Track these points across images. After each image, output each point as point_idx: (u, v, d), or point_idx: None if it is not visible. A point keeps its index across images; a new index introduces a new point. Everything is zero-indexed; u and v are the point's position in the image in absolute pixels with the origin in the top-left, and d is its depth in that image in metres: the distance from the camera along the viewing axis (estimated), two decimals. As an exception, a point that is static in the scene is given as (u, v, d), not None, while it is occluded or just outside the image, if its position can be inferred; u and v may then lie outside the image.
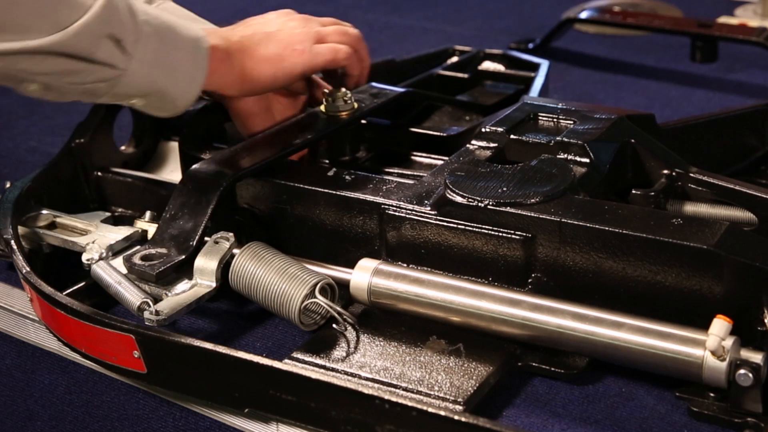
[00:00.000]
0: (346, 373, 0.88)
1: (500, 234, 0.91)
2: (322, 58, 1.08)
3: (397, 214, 0.96)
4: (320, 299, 0.92)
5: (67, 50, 0.85)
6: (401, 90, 1.24)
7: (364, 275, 0.94)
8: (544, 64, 1.41)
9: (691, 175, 1.02)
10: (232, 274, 0.94)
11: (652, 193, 0.99)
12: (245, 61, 1.03)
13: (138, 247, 0.99)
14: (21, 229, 1.04)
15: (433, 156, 1.18)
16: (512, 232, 0.91)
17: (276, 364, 0.82)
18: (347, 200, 0.98)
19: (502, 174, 0.97)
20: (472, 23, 2.06)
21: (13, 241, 1.00)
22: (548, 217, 0.90)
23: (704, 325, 0.81)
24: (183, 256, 0.95)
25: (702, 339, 0.81)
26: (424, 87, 1.35)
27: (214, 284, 0.94)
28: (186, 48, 0.96)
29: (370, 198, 0.97)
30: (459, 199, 0.94)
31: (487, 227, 0.92)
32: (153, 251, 0.96)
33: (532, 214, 0.90)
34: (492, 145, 1.05)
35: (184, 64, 0.96)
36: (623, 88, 1.66)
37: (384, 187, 0.99)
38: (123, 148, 1.24)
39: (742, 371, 0.79)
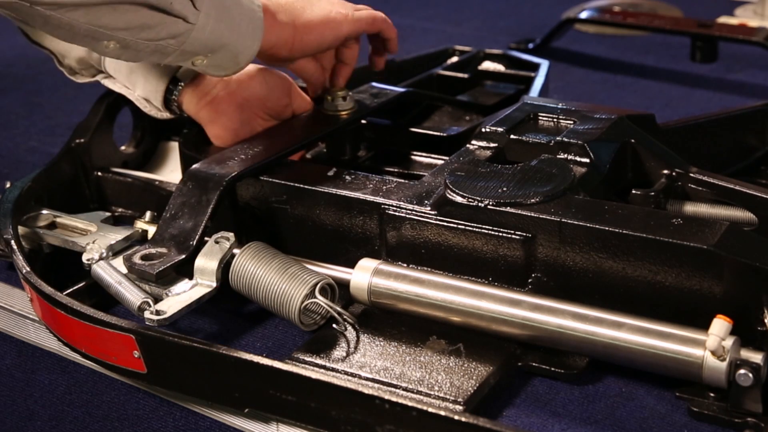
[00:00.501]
0: (346, 373, 0.88)
1: (500, 234, 0.91)
2: (364, 21, 1.13)
3: (397, 214, 0.96)
4: (320, 299, 0.92)
5: (148, 0, 0.89)
6: (401, 90, 1.24)
7: (364, 275, 0.94)
8: (544, 64, 1.41)
9: (691, 175, 1.02)
10: (233, 274, 0.94)
11: (652, 193, 0.99)
12: (294, 22, 1.07)
13: (138, 246, 0.99)
14: (21, 229, 1.04)
15: (433, 156, 1.18)
16: (512, 232, 0.91)
17: (276, 364, 0.82)
18: (347, 200, 0.98)
19: (502, 174, 0.97)
20: (472, 23, 2.06)
21: (13, 241, 1.00)
22: (548, 217, 0.90)
23: (704, 325, 0.81)
24: (183, 256, 0.95)
25: (702, 339, 0.81)
26: (424, 87, 1.35)
27: (214, 284, 0.94)
28: (243, 4, 0.99)
29: (370, 198, 0.97)
30: (459, 199, 0.94)
31: (487, 227, 0.92)
32: (153, 251, 0.96)
33: (532, 214, 0.90)
34: (492, 145, 1.05)
35: (243, 19, 0.99)
36: (623, 88, 1.66)
37: (384, 187, 0.99)
38: (123, 148, 1.24)
39: (742, 371, 0.79)
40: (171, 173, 1.22)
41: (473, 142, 1.06)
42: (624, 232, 0.87)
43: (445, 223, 0.94)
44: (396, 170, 1.17)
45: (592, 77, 1.72)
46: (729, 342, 0.80)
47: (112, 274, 0.95)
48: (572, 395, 0.88)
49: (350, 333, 0.93)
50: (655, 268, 0.86)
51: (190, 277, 0.94)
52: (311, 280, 0.92)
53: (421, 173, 1.09)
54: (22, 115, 1.61)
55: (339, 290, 0.95)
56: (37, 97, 1.68)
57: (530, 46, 1.83)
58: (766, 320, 0.83)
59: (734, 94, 1.61)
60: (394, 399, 0.77)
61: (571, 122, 1.07)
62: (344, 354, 0.91)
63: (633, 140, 1.04)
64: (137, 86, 1.12)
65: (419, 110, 1.30)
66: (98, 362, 0.93)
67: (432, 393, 0.85)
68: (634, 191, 0.99)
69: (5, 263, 1.12)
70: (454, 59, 1.49)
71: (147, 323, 0.89)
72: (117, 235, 1.01)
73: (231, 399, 0.86)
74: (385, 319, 0.95)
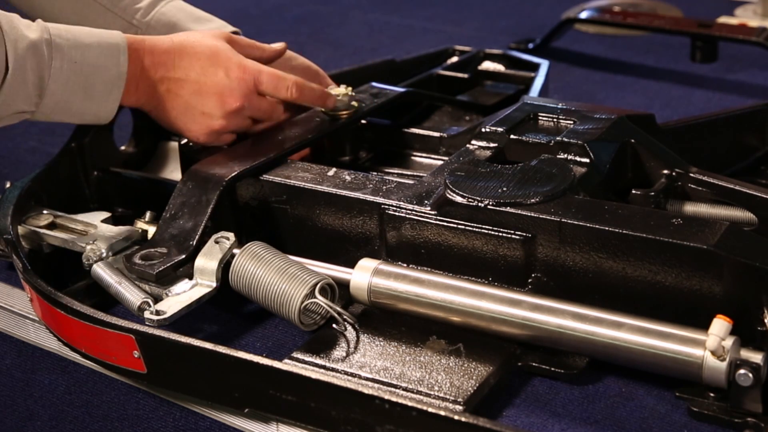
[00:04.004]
0: (346, 373, 0.88)
1: (500, 234, 0.91)
2: (225, 140, 1.10)
3: (397, 214, 0.96)
4: (320, 299, 0.92)
5: None
6: (401, 90, 1.24)
7: (364, 275, 0.94)
8: (544, 64, 1.41)
9: (691, 175, 1.02)
10: (233, 274, 0.94)
11: (652, 193, 0.99)
12: (158, 102, 1.06)
13: (138, 246, 0.99)
14: (21, 229, 1.04)
15: (433, 156, 1.18)
16: (512, 232, 0.91)
17: (276, 364, 0.82)
18: (347, 200, 0.98)
19: (502, 174, 0.97)
20: (472, 23, 2.06)
21: (13, 241, 1.00)
22: (548, 217, 0.90)
23: (704, 325, 0.81)
24: (183, 256, 0.95)
25: (702, 339, 0.81)
26: (424, 87, 1.35)
27: (214, 284, 0.94)
28: (103, 69, 1.00)
29: (370, 198, 0.97)
30: (459, 199, 0.94)
31: (487, 227, 0.92)
32: (153, 251, 0.96)
33: (532, 214, 0.90)
34: (492, 145, 1.05)
35: (99, 86, 1.00)
36: (623, 88, 1.66)
37: (384, 187, 0.99)
38: (123, 148, 1.24)
39: (742, 371, 0.79)
40: (171, 173, 1.22)
41: (473, 142, 1.06)
42: (624, 232, 0.87)
43: (445, 223, 0.94)
44: (396, 170, 1.17)
45: (592, 77, 1.72)
46: (729, 342, 0.80)
47: (112, 274, 0.95)
48: (572, 395, 0.88)
49: (350, 333, 0.93)
50: (655, 268, 0.86)
51: (191, 277, 0.94)
52: (311, 280, 0.92)
53: (421, 173, 1.09)
54: (22, 115, 1.61)
55: (339, 290, 0.95)
56: (37, 97, 1.68)
57: (530, 46, 1.83)
58: (766, 320, 0.83)
59: (734, 94, 1.61)
60: (394, 399, 0.77)
61: (571, 122, 1.07)
62: (344, 354, 0.90)
63: (633, 140, 1.04)
64: None
65: (419, 110, 1.30)
66: (98, 362, 0.93)
67: (432, 393, 0.85)
68: (634, 191, 0.99)
69: (5, 263, 1.12)
70: (454, 59, 1.49)
71: (147, 323, 0.89)
72: (117, 235, 1.01)
73: (231, 399, 0.86)
74: (385, 319, 0.95)
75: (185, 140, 1.13)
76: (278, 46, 1.14)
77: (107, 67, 0.99)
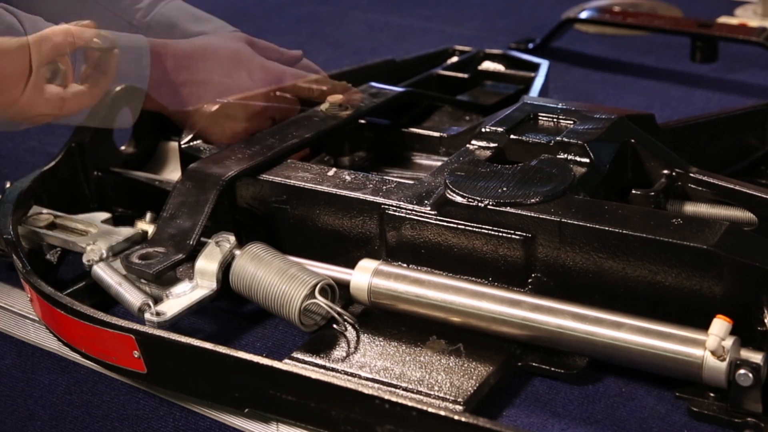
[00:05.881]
0: (346, 373, 0.88)
1: (500, 234, 0.91)
2: (231, 141, 1.10)
3: (397, 214, 0.96)
4: (320, 300, 0.92)
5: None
6: (401, 90, 1.24)
7: (364, 275, 0.94)
8: (544, 64, 1.41)
9: (691, 175, 1.02)
10: (233, 275, 0.94)
11: (652, 193, 0.99)
12: (180, 106, 1.07)
13: (136, 246, 0.98)
14: (21, 229, 1.04)
15: (433, 156, 1.18)
16: (512, 232, 0.91)
17: (276, 364, 0.82)
18: (347, 200, 0.98)
19: (502, 174, 0.97)
20: (472, 23, 2.06)
21: (13, 241, 1.00)
22: (548, 217, 0.90)
23: (704, 325, 0.81)
24: (181, 256, 0.95)
25: (702, 339, 0.81)
26: (424, 87, 1.35)
27: (215, 286, 0.94)
28: (126, 87, 1.01)
29: (370, 198, 0.97)
30: (459, 199, 0.94)
31: (487, 227, 0.92)
32: (151, 250, 0.96)
33: (532, 214, 0.90)
34: (492, 145, 1.05)
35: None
36: (623, 88, 1.66)
37: (384, 187, 0.99)
38: (123, 148, 1.24)
39: (742, 371, 0.79)
40: (171, 173, 1.22)
41: (473, 142, 1.06)
42: (624, 232, 0.87)
43: (445, 223, 0.94)
44: (396, 170, 1.17)
45: (592, 77, 1.72)
46: (729, 342, 0.80)
47: (113, 275, 0.95)
48: (572, 395, 0.88)
49: (350, 333, 0.93)
50: (655, 268, 0.86)
51: (191, 278, 0.94)
52: (311, 281, 0.92)
53: (421, 173, 1.09)
54: (22, 115, 1.61)
55: (339, 290, 0.95)
56: (37, 97, 1.68)
57: (530, 46, 1.83)
58: (766, 320, 0.83)
59: (734, 94, 1.61)
60: (394, 399, 0.77)
61: (571, 122, 1.07)
62: (344, 354, 0.90)
63: (633, 140, 1.04)
64: None
65: (419, 110, 1.30)
66: (98, 362, 0.93)
67: (432, 393, 0.85)
68: (634, 191, 0.99)
69: (5, 263, 1.12)
70: (454, 59, 1.49)
71: (147, 324, 0.89)
72: (117, 236, 1.01)
73: (231, 399, 0.86)
74: (385, 319, 0.95)
75: (185, 140, 1.12)
76: (295, 52, 1.15)
77: (130, 70, 0.99)
